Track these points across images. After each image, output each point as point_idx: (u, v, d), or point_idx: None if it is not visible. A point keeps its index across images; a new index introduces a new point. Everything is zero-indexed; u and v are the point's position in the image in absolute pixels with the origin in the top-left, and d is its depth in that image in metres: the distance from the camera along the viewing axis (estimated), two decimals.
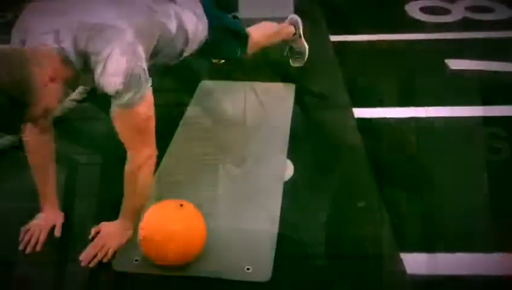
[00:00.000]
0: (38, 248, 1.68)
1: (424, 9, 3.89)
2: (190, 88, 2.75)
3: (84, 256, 1.61)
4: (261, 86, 2.83)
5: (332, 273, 1.63)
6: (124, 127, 1.52)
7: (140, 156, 1.57)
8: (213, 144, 2.30)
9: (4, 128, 1.39)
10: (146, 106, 1.50)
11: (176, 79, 2.93)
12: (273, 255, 1.65)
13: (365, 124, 2.45)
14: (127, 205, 1.67)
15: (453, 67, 2.99)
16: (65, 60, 1.39)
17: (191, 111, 2.56)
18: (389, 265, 1.66)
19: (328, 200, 1.95)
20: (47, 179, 1.77)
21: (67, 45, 1.39)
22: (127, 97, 1.43)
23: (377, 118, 2.50)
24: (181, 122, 2.45)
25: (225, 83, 2.81)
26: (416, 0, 4.07)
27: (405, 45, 3.35)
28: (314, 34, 3.14)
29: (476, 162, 2.17)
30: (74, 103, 2.65)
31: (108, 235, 1.65)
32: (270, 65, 3.04)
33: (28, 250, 1.67)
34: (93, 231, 1.70)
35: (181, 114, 2.52)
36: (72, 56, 1.40)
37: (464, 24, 3.64)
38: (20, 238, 1.71)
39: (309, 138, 2.35)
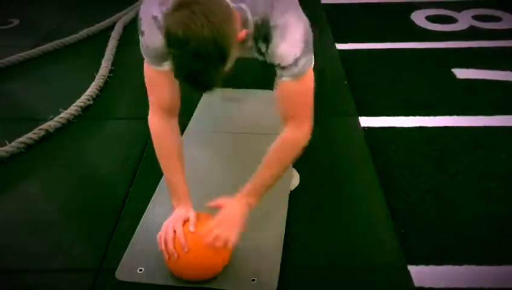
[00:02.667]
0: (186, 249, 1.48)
1: (430, 18, 3.88)
2: (194, 97, 2.74)
3: (207, 239, 1.44)
4: (266, 93, 2.82)
5: (339, 285, 1.61)
6: (293, 98, 1.45)
7: (303, 130, 1.50)
8: (217, 152, 2.29)
9: (204, 81, 1.22)
10: (312, 72, 1.45)
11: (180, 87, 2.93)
12: (279, 266, 1.64)
13: (371, 133, 2.44)
14: (263, 176, 1.53)
15: (460, 77, 2.98)
16: (244, 21, 1.31)
17: (195, 119, 2.55)
18: (396, 277, 1.64)
19: (334, 210, 1.94)
20: (178, 171, 1.61)
21: (248, 4, 1.32)
22: (301, 64, 1.38)
23: (384, 127, 2.49)
24: (186, 130, 2.44)
25: (229, 91, 2.80)
26: (422, 9, 4.06)
27: (411, 53, 3.34)
28: (319, 42, 3.13)
29: (484, 172, 2.16)
30: (79, 109, 2.65)
31: (230, 222, 1.47)
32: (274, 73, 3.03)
33: (171, 255, 1.49)
34: (213, 205, 1.52)
35: (185, 122, 2.51)
36: (250, 17, 1.32)
37: (471, 33, 3.63)
38: (160, 247, 1.52)
39: (315, 147, 2.34)
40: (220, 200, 1.53)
